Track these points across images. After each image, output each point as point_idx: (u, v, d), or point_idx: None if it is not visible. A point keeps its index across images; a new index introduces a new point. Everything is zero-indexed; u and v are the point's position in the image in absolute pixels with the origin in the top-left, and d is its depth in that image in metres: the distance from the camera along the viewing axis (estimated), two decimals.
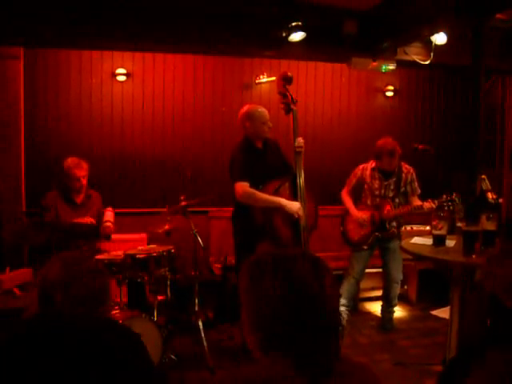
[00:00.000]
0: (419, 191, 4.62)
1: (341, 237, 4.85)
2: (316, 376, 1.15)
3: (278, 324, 1.17)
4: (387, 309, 4.80)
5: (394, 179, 4.56)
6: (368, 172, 4.62)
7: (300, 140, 3.89)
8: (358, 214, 4.64)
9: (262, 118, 3.88)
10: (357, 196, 4.75)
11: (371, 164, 4.62)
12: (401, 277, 4.71)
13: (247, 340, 1.25)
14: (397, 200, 4.56)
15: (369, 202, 4.64)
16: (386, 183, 4.56)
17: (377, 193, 4.58)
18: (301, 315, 1.16)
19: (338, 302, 1.25)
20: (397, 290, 4.72)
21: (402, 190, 4.58)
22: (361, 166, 4.70)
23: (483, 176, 4.07)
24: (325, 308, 1.18)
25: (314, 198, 4.05)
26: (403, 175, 4.57)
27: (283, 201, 3.74)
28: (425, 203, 4.33)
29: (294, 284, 1.18)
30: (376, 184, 4.58)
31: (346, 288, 4.68)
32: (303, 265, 1.21)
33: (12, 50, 4.89)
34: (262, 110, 3.94)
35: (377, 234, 4.56)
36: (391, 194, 4.57)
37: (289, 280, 1.18)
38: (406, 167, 4.60)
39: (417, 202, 4.53)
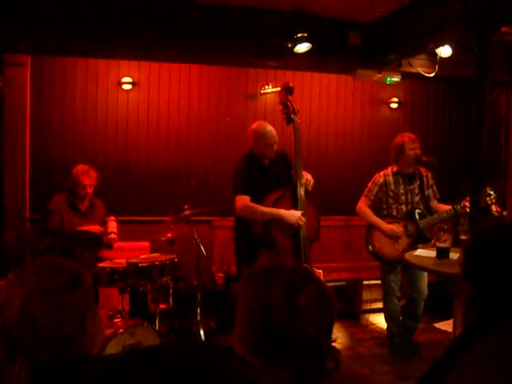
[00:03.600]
0: (438, 195, 4.48)
1: (372, 257, 4.51)
2: None
3: (256, 335, 1.21)
4: (414, 325, 4.48)
5: (418, 182, 4.35)
6: (391, 178, 4.34)
7: (307, 177, 3.89)
8: (389, 227, 4.30)
9: (267, 140, 3.85)
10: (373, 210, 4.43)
11: (391, 169, 4.37)
12: (427, 292, 4.42)
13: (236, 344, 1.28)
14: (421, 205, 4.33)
15: (395, 213, 4.34)
16: (410, 187, 4.33)
17: (403, 198, 4.31)
18: (271, 326, 1.19)
19: (317, 315, 1.21)
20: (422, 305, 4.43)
21: (426, 193, 4.37)
22: (381, 173, 4.39)
23: (490, 191, 4.05)
24: (295, 321, 1.19)
25: (316, 209, 4.03)
26: (424, 178, 4.39)
27: (283, 213, 3.72)
28: (455, 205, 4.13)
29: (265, 298, 1.21)
30: (402, 189, 4.31)
31: (391, 310, 4.42)
32: (279, 278, 1.23)
33: (19, 58, 4.92)
34: (270, 131, 3.88)
35: (419, 246, 4.17)
36: (417, 199, 4.35)
37: (261, 294, 1.22)
38: (423, 170, 4.41)
39: (442, 205, 4.36)
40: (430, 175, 4.46)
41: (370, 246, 4.42)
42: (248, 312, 1.23)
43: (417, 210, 4.35)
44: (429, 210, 4.39)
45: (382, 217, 4.37)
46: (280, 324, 1.18)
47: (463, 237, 3.70)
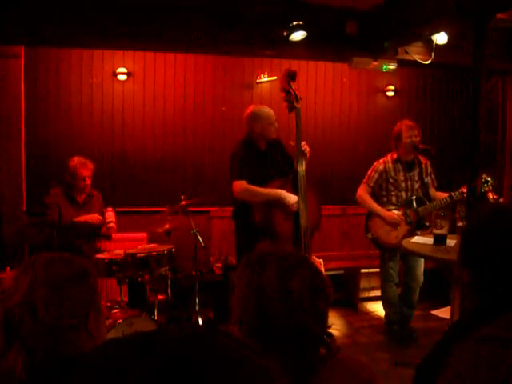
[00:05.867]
0: (436, 183, 4.50)
1: (371, 244, 4.57)
2: (301, 376, 1.17)
3: (249, 318, 1.22)
4: (410, 312, 4.51)
5: (418, 170, 4.37)
6: (391, 165, 4.33)
7: (304, 144, 3.82)
8: (389, 214, 4.31)
9: (269, 119, 3.78)
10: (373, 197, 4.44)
11: (391, 156, 4.37)
12: (422, 280, 4.44)
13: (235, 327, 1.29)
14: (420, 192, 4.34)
15: (394, 200, 4.35)
16: (410, 174, 4.34)
17: (403, 185, 4.33)
18: (265, 313, 1.20)
19: (310, 302, 1.21)
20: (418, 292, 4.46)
21: (425, 181, 4.38)
22: (381, 160, 4.39)
23: (488, 178, 4.05)
24: (287, 307, 1.19)
25: (318, 197, 4.01)
26: (423, 166, 4.40)
27: (283, 192, 3.68)
28: (453, 192, 4.14)
29: (259, 284, 1.22)
30: (401, 176, 4.32)
31: (390, 297, 4.45)
32: (272, 264, 1.24)
33: (13, 49, 4.89)
34: (269, 110, 3.82)
35: (418, 233, 4.17)
36: (416, 186, 4.36)
37: (255, 280, 1.23)
38: (422, 158, 4.42)
39: (440, 193, 4.36)
40: (428, 163, 4.48)
41: (369, 234, 4.43)
42: (243, 299, 1.24)
43: (416, 197, 4.36)
44: (427, 198, 4.40)
45: (382, 204, 4.38)
46: (273, 310, 1.19)
47: (460, 223, 3.72)
